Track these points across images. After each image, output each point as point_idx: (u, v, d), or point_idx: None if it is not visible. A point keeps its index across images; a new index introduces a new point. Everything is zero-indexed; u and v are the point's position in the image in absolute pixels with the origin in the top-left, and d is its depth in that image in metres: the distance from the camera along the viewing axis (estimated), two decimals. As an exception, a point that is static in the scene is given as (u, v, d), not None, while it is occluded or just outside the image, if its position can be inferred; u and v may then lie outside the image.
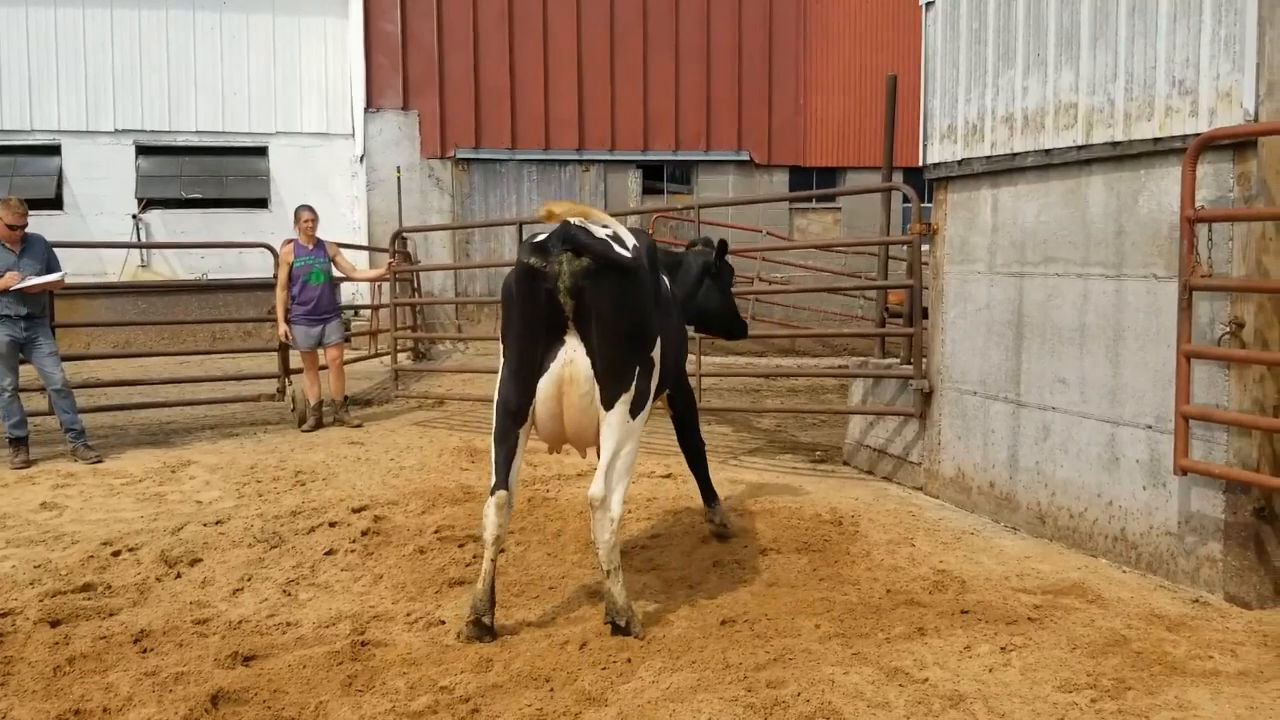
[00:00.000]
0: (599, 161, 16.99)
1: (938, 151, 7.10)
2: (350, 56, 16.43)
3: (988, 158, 6.61)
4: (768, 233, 17.23)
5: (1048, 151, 6.11)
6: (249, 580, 5.48)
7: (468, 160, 16.34)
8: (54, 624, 4.81)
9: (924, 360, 7.41)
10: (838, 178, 18.62)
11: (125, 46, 15.90)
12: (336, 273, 10.04)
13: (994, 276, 6.69)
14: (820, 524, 6.45)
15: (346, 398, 10.22)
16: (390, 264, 10.22)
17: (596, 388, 4.59)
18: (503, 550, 5.81)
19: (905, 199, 18.77)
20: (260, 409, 10.76)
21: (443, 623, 4.85)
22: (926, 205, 7.56)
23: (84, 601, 5.10)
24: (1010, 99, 6.40)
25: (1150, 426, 5.52)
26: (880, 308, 8.38)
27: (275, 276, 9.90)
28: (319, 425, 9.86)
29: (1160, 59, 5.31)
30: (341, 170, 16.82)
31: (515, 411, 4.75)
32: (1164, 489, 5.45)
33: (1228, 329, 5.05)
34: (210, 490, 7.49)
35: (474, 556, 5.78)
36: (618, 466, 4.61)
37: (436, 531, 6.28)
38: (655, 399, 5.06)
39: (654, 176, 17.46)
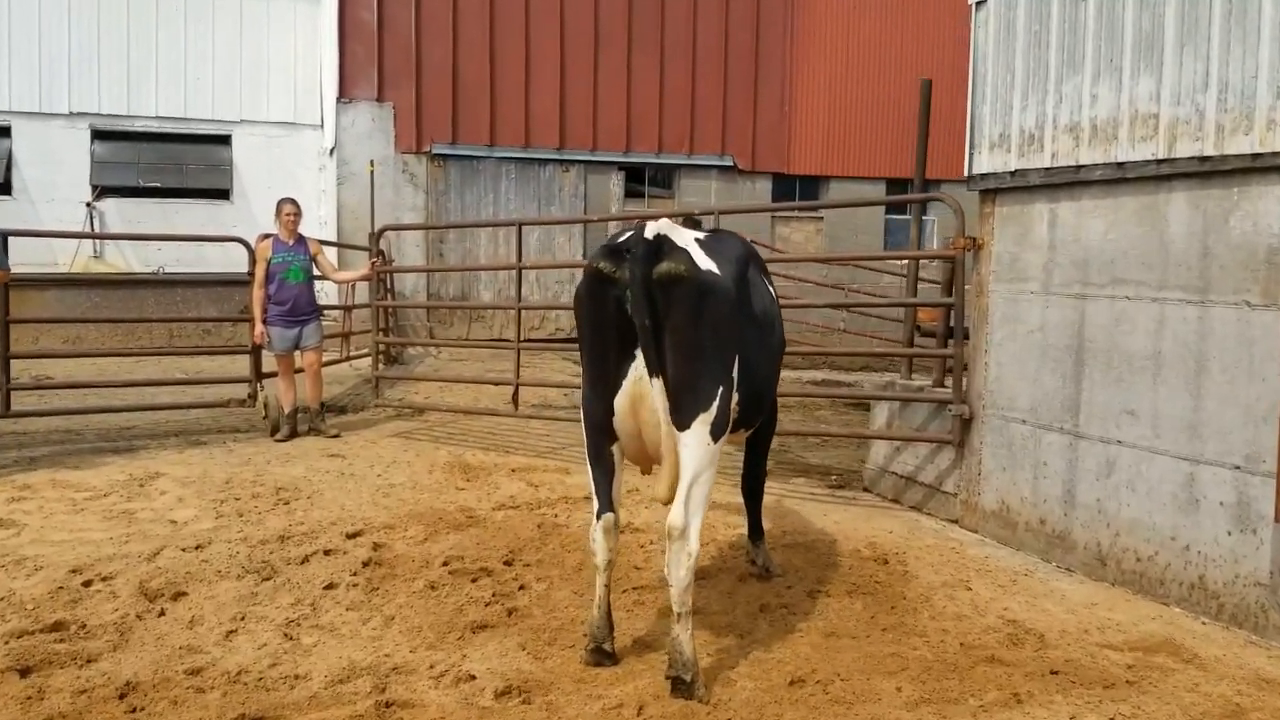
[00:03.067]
0: (580, 162, 16.40)
1: (986, 161, 6.64)
2: (322, 44, 15.70)
3: (1047, 169, 6.16)
4: (751, 240, 16.72)
5: (1120, 165, 5.66)
6: (243, 620, 4.85)
7: (444, 156, 15.68)
8: (23, 673, 4.17)
9: (964, 384, 6.94)
10: (820, 186, 18.21)
11: (83, 24, 15.03)
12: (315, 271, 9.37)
13: (1050, 297, 6.23)
14: (863, 561, 5.96)
15: (323, 405, 9.56)
16: (373, 263, 9.57)
17: (658, 404, 4.06)
18: (522, 581, 5.25)
19: (889, 210, 18.48)
20: (227, 415, 10.05)
21: (473, 678, 4.26)
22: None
23: (56, 644, 4.45)
24: (1076, 107, 5.94)
25: (1238, 467, 5.08)
26: (909, 326, 7.91)
27: (251, 273, 9.22)
28: (293, 434, 9.19)
29: (1263, 67, 4.87)
30: (308, 162, 16.09)
31: (601, 427, 4.33)
32: (1254, 536, 5.02)
33: (1340, 364, 4.62)
34: (184, 508, 6.81)
35: (493, 595, 5.21)
36: (695, 494, 4.09)
37: (445, 564, 5.68)
38: (749, 422, 4.71)
39: (634, 179, 16.92)
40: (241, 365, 11.98)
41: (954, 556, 6.19)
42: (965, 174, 6.81)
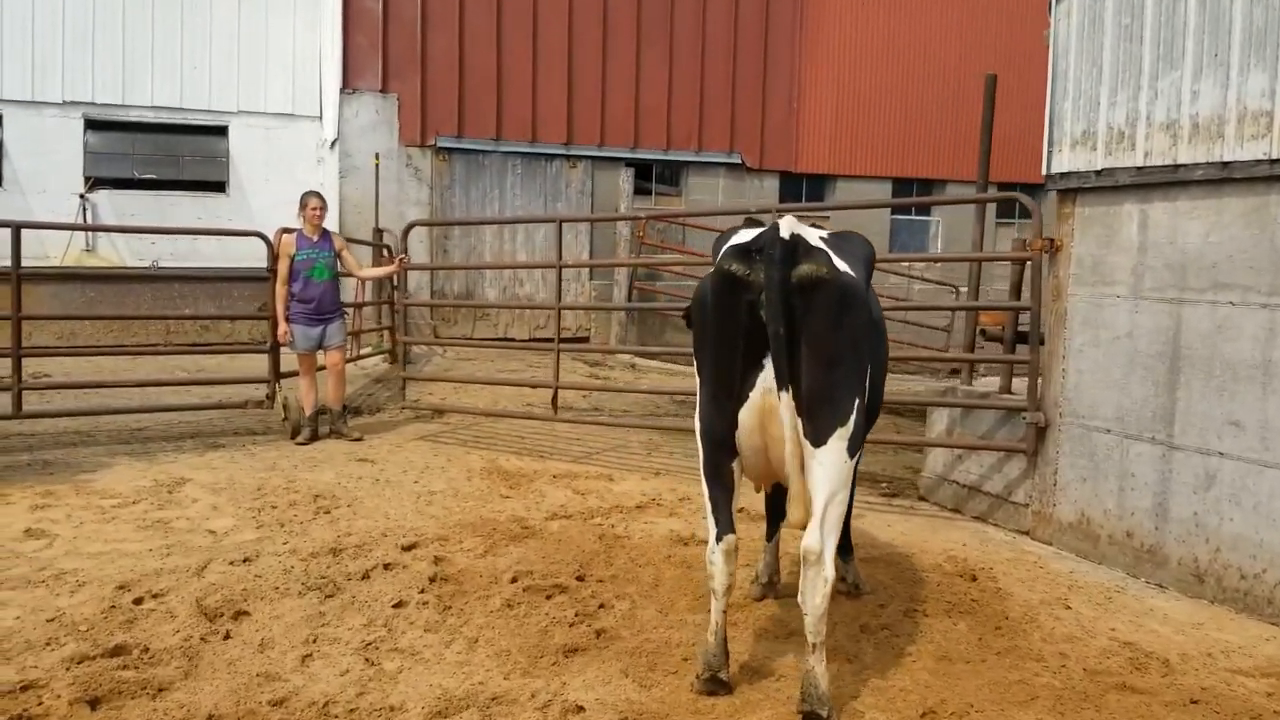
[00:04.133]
0: (587, 158, 16.03)
1: (1068, 160, 6.37)
2: (323, 33, 15.23)
3: (1139, 168, 5.90)
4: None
5: (1225, 164, 5.41)
6: (315, 642, 4.51)
7: (449, 150, 15.27)
8: (93, 704, 3.83)
9: (1038, 390, 6.67)
10: (827, 185, 17.96)
11: (77, 11, 14.48)
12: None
13: (1139, 302, 5.98)
14: (949, 577, 5.68)
15: (345, 407, 9.17)
16: (401, 259, 9.19)
17: (785, 418, 3.75)
18: (600, 603, 4.94)
19: (894, 211, 18.26)
20: (241, 416, 9.65)
21: (582, 709, 3.95)
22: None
23: (122, 671, 4.10)
24: (1174, 104, 5.69)
25: (1364, 482, 4.84)
26: (971, 329, 7.64)
27: (270, 269, 8.83)
28: (314, 437, 8.81)
29: (1400, 63, 4.63)
30: (307, 155, 15.59)
31: (722, 443, 3.99)
32: (1381, 554, 4.77)
33: None
34: (221, 517, 6.44)
35: (575, 614, 4.89)
36: (831, 515, 3.79)
37: (514, 579, 5.35)
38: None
39: (641, 176, 16.58)
40: (247, 364, 11.61)
41: (1040, 572, 5.93)
42: (1043, 173, 6.55)
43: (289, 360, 9.22)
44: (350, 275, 9.23)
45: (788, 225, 3.80)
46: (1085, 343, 6.33)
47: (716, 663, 4.05)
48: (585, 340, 16.21)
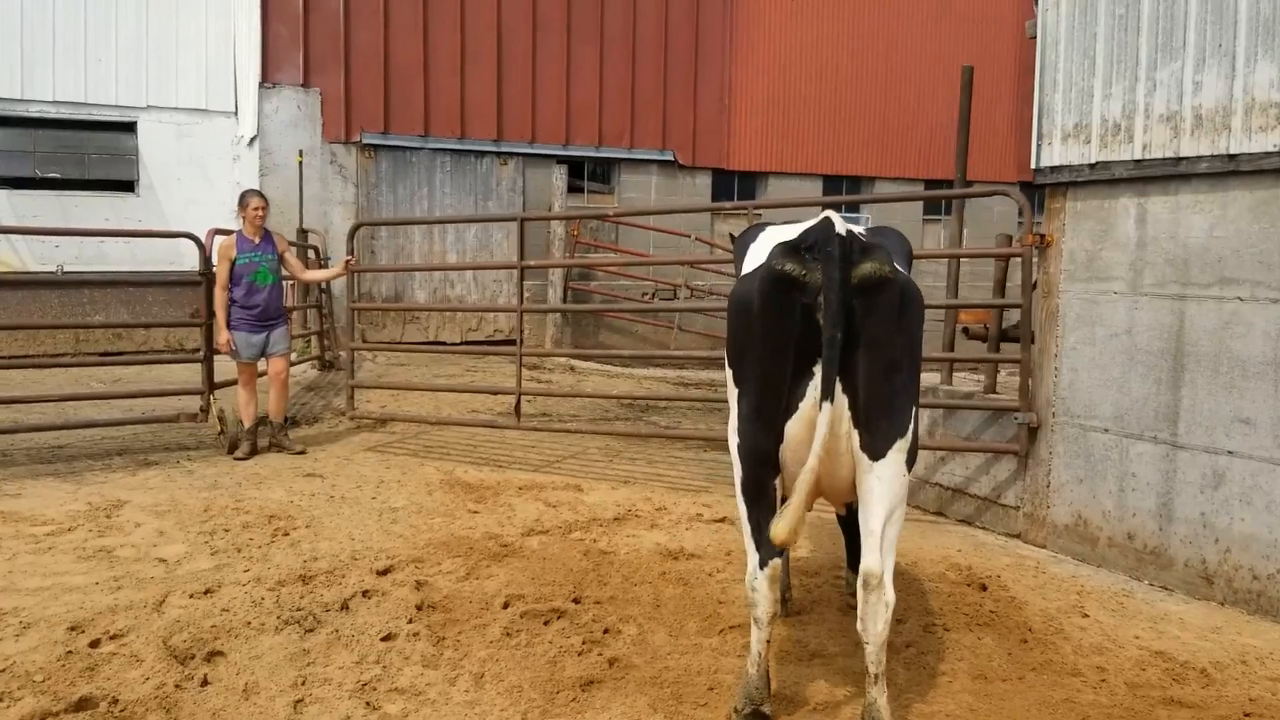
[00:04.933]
0: (518, 155, 15.57)
1: (1059, 153, 6.21)
2: (239, 24, 14.53)
3: (1137, 161, 5.76)
4: (696, 238, 16.25)
5: (1232, 157, 5.28)
6: (305, 685, 4.07)
7: (375, 146, 14.68)
8: (64, 774, 3.33)
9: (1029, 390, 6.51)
10: (759, 183, 17.80)
11: (-30, -2, 13.59)
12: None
13: (1138, 298, 5.84)
14: (957, 586, 5.46)
15: (287, 419, 8.63)
16: (348, 261, 8.68)
17: (855, 432, 3.44)
18: (603, 630, 4.60)
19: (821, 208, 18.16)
20: (169, 430, 9.03)
21: (616, 752, 3.59)
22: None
23: (92, 731, 3.61)
24: (1174, 95, 5.55)
25: (1388, 480, 4.74)
26: (950, 327, 7.44)
27: (203, 272, 8.27)
28: (254, 451, 8.27)
29: None
30: (222, 152, 14.87)
31: (766, 459, 3.65)
32: None
33: None
34: (170, 543, 5.91)
35: (583, 642, 4.53)
36: (890, 535, 3.50)
37: (507, 604, 4.96)
38: None
39: (574, 174, 16.19)
40: (166, 374, 10.96)
41: (1045, 578, 5.75)
42: (1032, 166, 6.37)
43: (224, 369, 8.66)
44: (295, 278, 8.69)
45: (837, 221, 3.50)
46: (1079, 340, 6.17)
47: (759, 695, 3.73)
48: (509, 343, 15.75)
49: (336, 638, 4.53)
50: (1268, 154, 5.13)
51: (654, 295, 16.42)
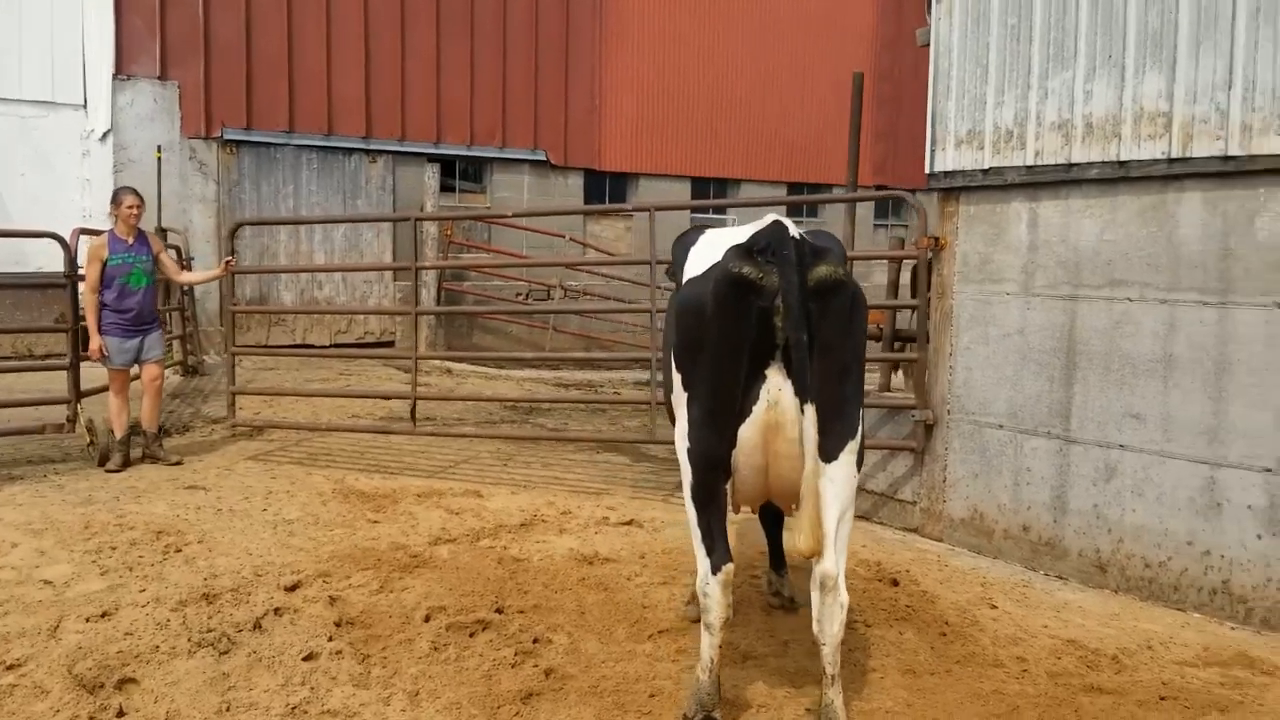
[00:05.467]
0: (388, 152, 15.20)
1: (952, 159, 6.40)
2: (87, 12, 13.76)
3: (1029, 167, 5.98)
4: (570, 238, 16.18)
5: (1122, 163, 5.53)
6: (230, 711, 3.88)
7: (237, 142, 14.10)
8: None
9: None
10: (630, 184, 17.84)
11: None
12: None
13: (1031, 299, 6.06)
14: (869, 581, 5.57)
15: (161, 428, 8.21)
16: (229, 262, 8.29)
17: (808, 435, 3.46)
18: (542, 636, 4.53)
19: (694, 210, 18.31)
20: (28, 443, 8.48)
21: (568, 768, 3.53)
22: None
23: (2, 776, 3.35)
24: (1066, 103, 5.79)
25: (1270, 470, 5.04)
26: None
27: (68, 275, 7.79)
28: (127, 463, 7.83)
29: (1300, 68, 4.83)
30: (71, 147, 14.08)
31: (718, 464, 3.64)
32: (1289, 538, 4.98)
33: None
34: (53, 563, 5.54)
35: (515, 653, 4.44)
36: (843, 535, 3.56)
37: (428, 618, 4.82)
38: None
39: (445, 173, 15.90)
40: (13, 383, 10.31)
41: (949, 571, 5.93)
42: (926, 171, 6.55)
43: (92, 376, 8.19)
44: (171, 280, 8.27)
45: (787, 223, 3.52)
46: (974, 340, 6.38)
47: (710, 701, 3.72)
48: (390, 345, 15.42)
49: (256, 659, 4.32)
50: (1156, 161, 5.39)
51: (528, 296, 16.28)
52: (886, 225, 21.28)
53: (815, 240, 3.90)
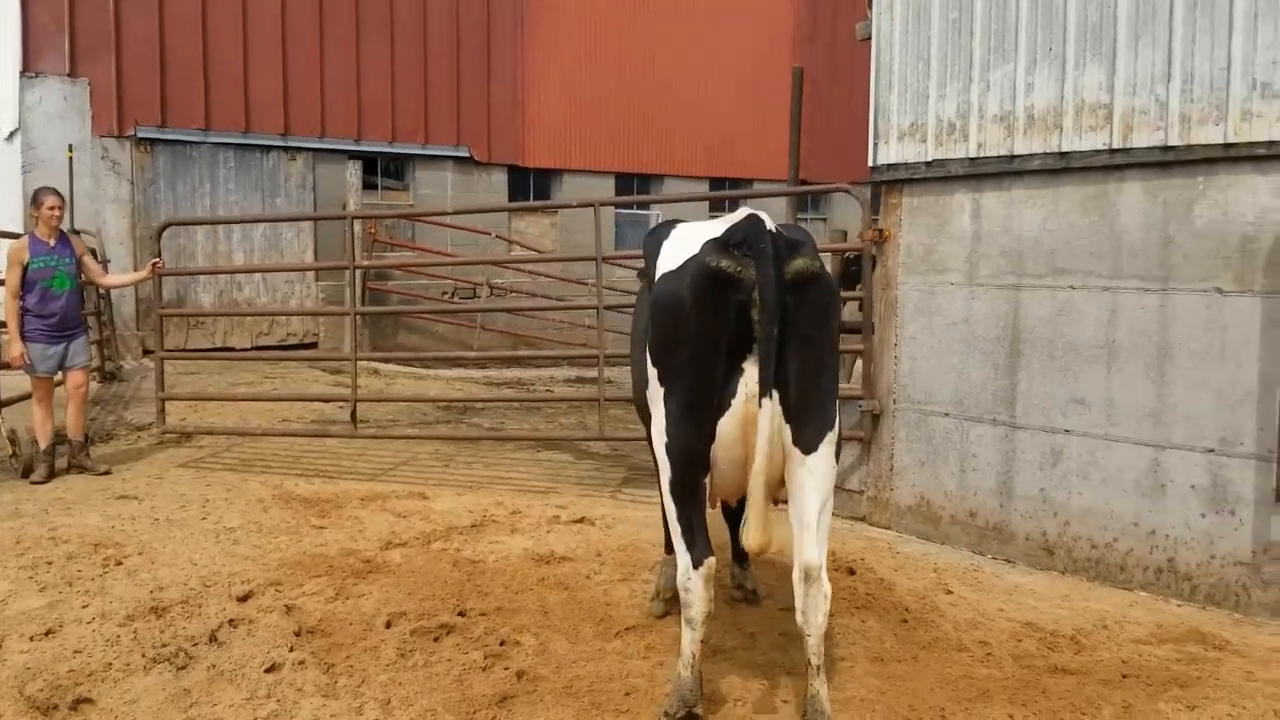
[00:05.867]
0: (308, 150, 14.88)
1: (895, 151, 6.48)
2: (-11, 6, 13.24)
3: (971, 159, 6.08)
4: (496, 235, 16.03)
5: (1064, 154, 5.65)
6: (194, 729, 3.74)
7: (151, 141, 13.66)
8: None
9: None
10: (554, 180, 17.73)
11: None
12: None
13: (975, 289, 6.16)
14: (829, 572, 5.55)
15: (87, 436, 7.92)
16: (156, 264, 8.01)
17: (786, 427, 3.45)
18: (517, 644, 4.48)
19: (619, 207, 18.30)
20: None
21: (554, 771, 3.48)
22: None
23: (-39, 804, 3.19)
24: (1007, 96, 5.89)
25: (1212, 450, 5.20)
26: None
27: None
28: (52, 473, 7.54)
29: (1235, 60, 4.98)
30: (-29, 147, 13.54)
31: (698, 459, 3.63)
32: (1232, 517, 5.15)
33: (1328, 347, 4.80)
34: (-15, 581, 5.31)
35: (484, 657, 4.38)
36: (824, 525, 3.59)
37: (389, 623, 4.73)
38: None
39: (367, 170, 15.61)
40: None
41: (901, 558, 6.00)
42: (869, 164, 6.62)
43: (13, 384, 7.87)
44: (95, 283, 7.98)
45: (764, 216, 3.52)
46: (919, 330, 6.46)
47: (693, 697, 3.70)
48: (314, 346, 15.12)
49: (216, 673, 4.18)
50: (1097, 151, 5.52)
51: (454, 294, 16.10)
52: (806, 219, 21.48)
53: (801, 234, 3.91)
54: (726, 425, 3.54)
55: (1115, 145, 5.43)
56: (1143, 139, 5.33)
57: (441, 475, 8.01)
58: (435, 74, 15.95)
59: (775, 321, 3.32)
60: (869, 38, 6.66)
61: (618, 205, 16.88)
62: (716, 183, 19.73)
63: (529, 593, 5.20)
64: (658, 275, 3.69)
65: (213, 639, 4.53)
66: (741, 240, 3.44)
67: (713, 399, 3.52)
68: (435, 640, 4.57)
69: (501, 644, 4.52)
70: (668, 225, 4.07)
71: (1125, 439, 5.51)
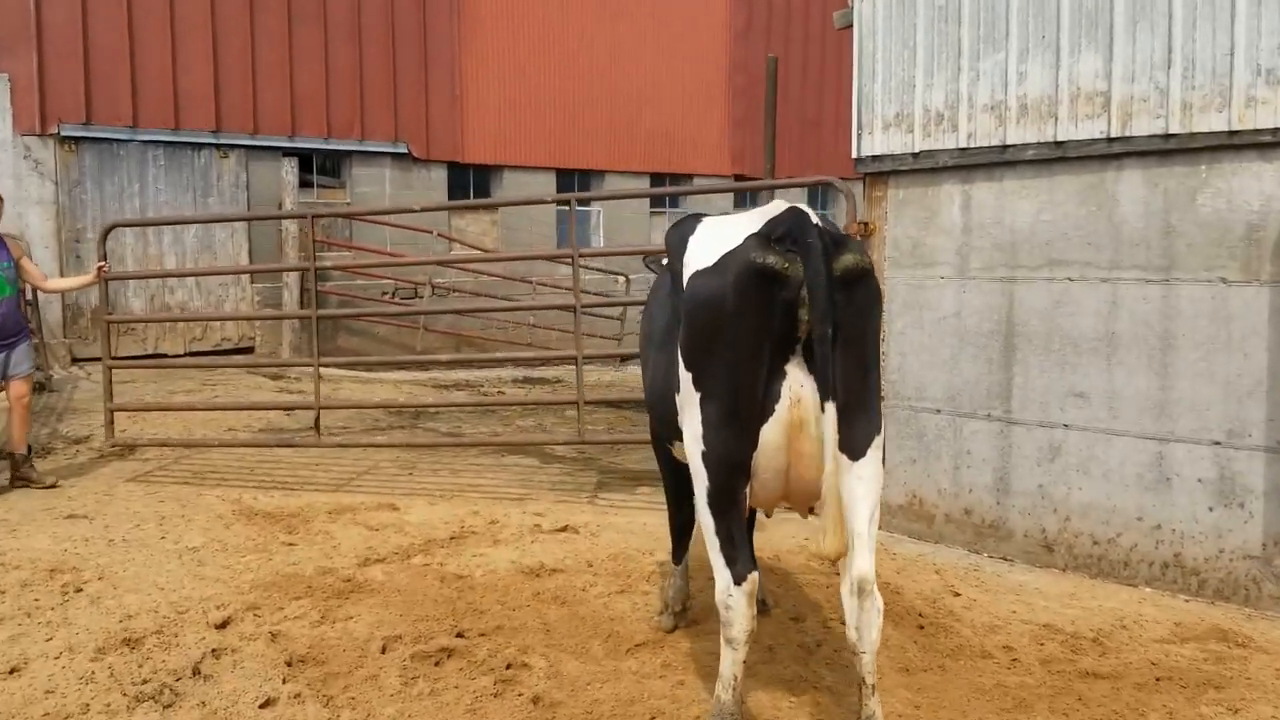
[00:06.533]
0: (240, 147, 14.32)
1: (880, 142, 6.33)
2: (-104, -1, 12.49)
3: (961, 150, 5.95)
4: (438, 234, 15.64)
5: (1059, 144, 5.54)
6: (190, 777, 3.43)
7: (76, 139, 13.02)
8: None
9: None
10: (494, 176, 17.36)
11: None
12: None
13: (966, 282, 6.04)
14: (830, 577, 5.44)
15: (30, 449, 7.45)
16: (101, 268, 7.54)
17: (828, 432, 3.24)
18: (510, 666, 4.23)
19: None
20: None
21: (593, 807, 3.24)
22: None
23: None
24: (999, 85, 5.77)
25: (1219, 443, 5.13)
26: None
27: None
28: (-9, 490, 7.09)
29: (1239, 45, 4.90)
30: (-121, 147, 12.77)
31: (740, 467, 3.40)
32: (1241, 510, 5.08)
33: (1339, 336, 4.74)
34: (-68, 616, 4.89)
35: (494, 682, 4.12)
36: (873, 533, 3.36)
37: (384, 648, 4.44)
38: None
39: (303, 168, 15.09)
40: None
41: (900, 560, 5.86)
42: (853, 155, 6.46)
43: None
44: (37, 288, 7.50)
45: (803, 209, 3.31)
46: (908, 325, 6.32)
47: (734, 721, 3.49)
48: (250, 350, 14.59)
49: (208, 711, 3.87)
50: (1094, 140, 5.41)
51: (394, 294, 15.68)
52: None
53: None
54: (771, 431, 3.32)
55: (1114, 134, 5.33)
56: (1142, 127, 5.23)
57: (408, 484, 7.70)
58: (371, 68, 15.48)
59: (829, 321, 3.11)
60: (848, 26, 6.50)
61: (540, 203, 16.57)
62: (657, 178, 19.53)
63: (526, 609, 4.94)
64: (690, 272, 3.46)
65: (197, 672, 4.20)
66: (784, 234, 3.23)
67: (756, 403, 3.30)
68: (437, 665, 4.31)
69: (509, 667, 4.26)
70: (692, 219, 3.84)
71: (1127, 432, 5.43)
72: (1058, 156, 5.57)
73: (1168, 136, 5.16)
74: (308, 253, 14.36)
